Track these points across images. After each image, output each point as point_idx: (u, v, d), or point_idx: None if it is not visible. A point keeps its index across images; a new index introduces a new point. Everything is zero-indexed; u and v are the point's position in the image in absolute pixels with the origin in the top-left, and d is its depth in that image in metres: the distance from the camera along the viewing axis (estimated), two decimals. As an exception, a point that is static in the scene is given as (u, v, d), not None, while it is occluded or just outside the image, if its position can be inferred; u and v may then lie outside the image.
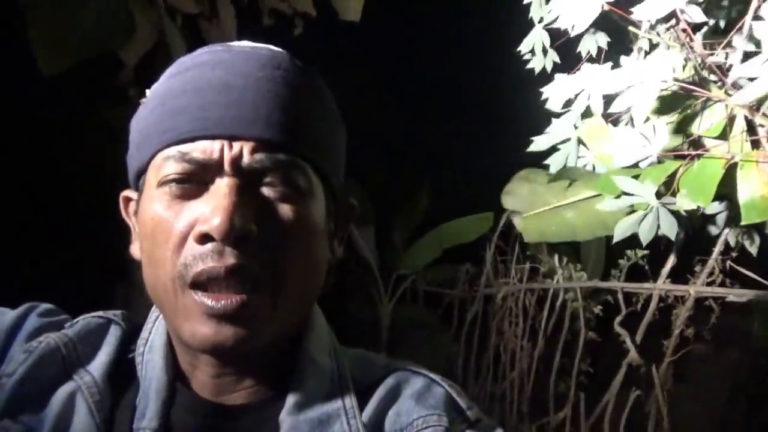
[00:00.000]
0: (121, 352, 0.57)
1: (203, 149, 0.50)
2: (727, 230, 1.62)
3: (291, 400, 0.53)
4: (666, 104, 1.42)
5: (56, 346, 0.55)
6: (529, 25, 1.76)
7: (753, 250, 1.61)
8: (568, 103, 1.55)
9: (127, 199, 0.59)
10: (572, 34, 1.43)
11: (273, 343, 0.53)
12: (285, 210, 0.51)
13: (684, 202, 1.27)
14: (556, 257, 2.77)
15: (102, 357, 0.56)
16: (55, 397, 0.53)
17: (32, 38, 1.58)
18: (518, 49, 1.78)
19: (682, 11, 1.22)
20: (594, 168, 1.61)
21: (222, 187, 0.49)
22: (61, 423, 0.52)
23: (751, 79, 1.18)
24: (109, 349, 0.57)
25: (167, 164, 0.51)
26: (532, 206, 1.77)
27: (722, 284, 1.83)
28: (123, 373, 0.56)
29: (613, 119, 1.60)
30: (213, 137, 0.50)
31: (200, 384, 0.55)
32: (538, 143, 1.73)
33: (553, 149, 1.70)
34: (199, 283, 0.49)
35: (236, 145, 0.50)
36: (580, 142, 1.65)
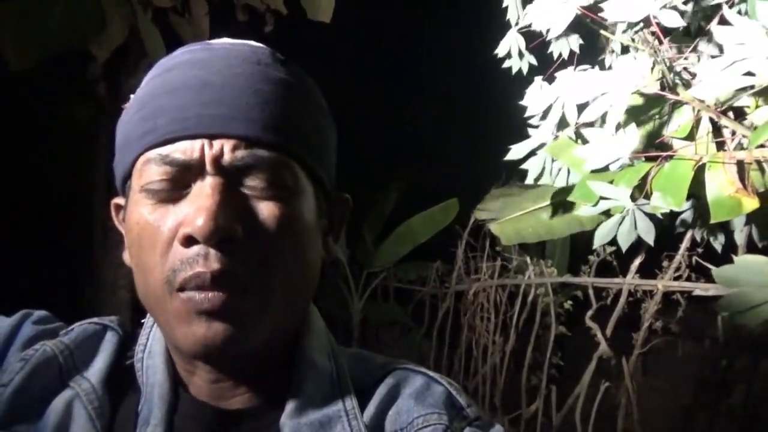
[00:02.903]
0: (118, 359, 0.56)
1: (183, 150, 0.49)
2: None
3: (291, 403, 0.53)
4: (637, 109, 1.46)
5: (53, 354, 0.54)
6: (506, 26, 1.78)
7: (717, 246, 1.67)
8: (547, 110, 1.58)
9: (118, 207, 0.58)
10: (547, 38, 1.45)
11: (267, 345, 0.52)
12: (271, 209, 0.50)
13: (657, 204, 1.30)
14: (528, 258, 2.81)
15: (99, 363, 0.55)
16: (52, 406, 0.52)
17: None
18: (495, 53, 1.78)
19: (656, 17, 1.26)
20: (568, 172, 1.64)
21: (204, 187, 0.48)
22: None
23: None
24: (106, 356, 0.56)
25: (149, 168, 0.50)
26: (506, 213, 1.80)
27: (689, 279, 1.91)
28: (121, 379, 0.55)
29: (587, 122, 1.64)
30: (193, 137, 0.49)
31: (199, 389, 0.54)
32: (516, 152, 1.73)
33: (530, 153, 1.72)
34: (187, 288, 0.48)
35: (216, 144, 0.48)
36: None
